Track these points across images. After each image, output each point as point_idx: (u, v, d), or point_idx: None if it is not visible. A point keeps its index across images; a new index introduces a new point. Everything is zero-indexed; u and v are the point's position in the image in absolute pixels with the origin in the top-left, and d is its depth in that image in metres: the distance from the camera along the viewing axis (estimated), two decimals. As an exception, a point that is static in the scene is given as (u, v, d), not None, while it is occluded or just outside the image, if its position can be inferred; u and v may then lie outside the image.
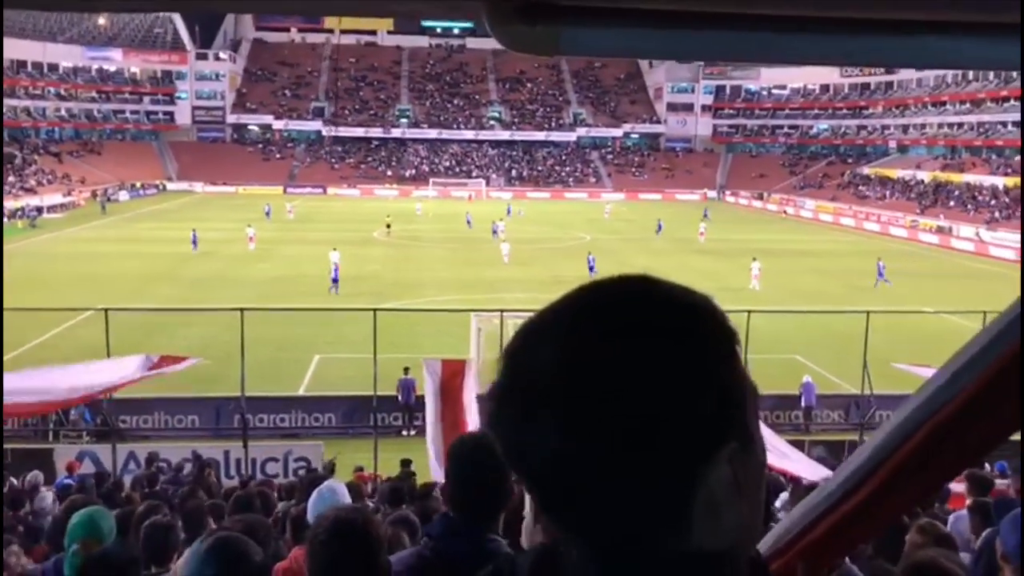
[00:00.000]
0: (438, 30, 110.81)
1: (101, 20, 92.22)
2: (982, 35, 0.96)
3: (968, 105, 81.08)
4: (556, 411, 0.73)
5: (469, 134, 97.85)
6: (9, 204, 55.79)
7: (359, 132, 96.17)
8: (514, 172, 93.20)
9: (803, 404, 18.91)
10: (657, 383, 0.73)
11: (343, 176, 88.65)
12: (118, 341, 16.27)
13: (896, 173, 79.18)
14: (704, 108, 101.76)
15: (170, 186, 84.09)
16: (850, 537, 1.24)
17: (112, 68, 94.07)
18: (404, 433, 17.91)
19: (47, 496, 9.69)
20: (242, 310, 16.51)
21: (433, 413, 14.75)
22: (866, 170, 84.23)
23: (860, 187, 79.29)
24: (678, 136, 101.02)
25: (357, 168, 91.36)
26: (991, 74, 78.03)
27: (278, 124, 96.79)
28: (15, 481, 10.54)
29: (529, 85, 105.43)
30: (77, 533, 3.95)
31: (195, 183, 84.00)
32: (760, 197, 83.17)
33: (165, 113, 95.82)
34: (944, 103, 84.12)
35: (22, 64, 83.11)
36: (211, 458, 15.01)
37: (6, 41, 74.36)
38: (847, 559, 3.85)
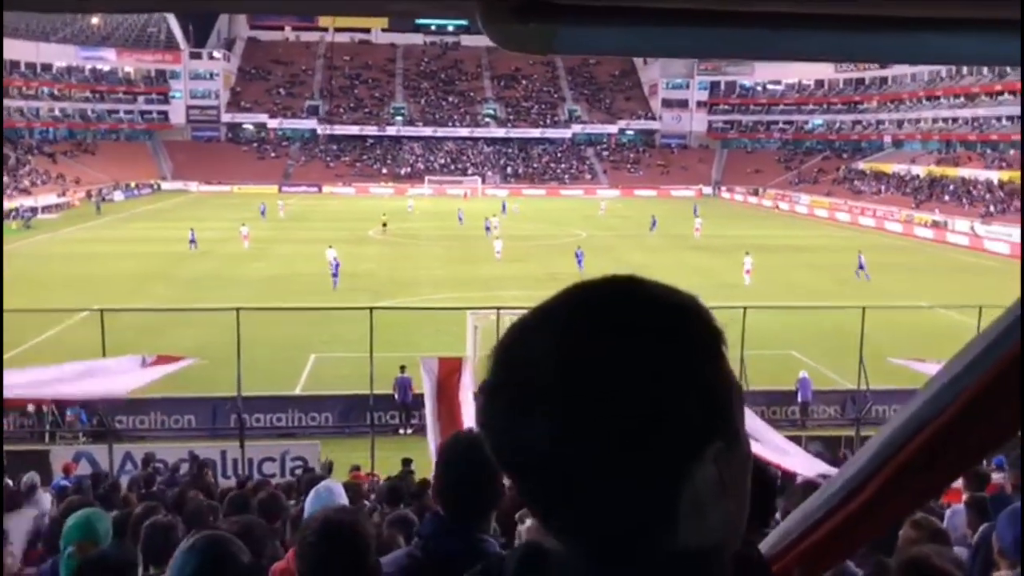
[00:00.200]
0: (432, 28, 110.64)
1: (95, 20, 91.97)
2: (981, 31, 0.96)
3: (962, 99, 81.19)
4: (551, 408, 0.74)
5: (464, 132, 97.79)
6: (4, 205, 55.62)
7: (354, 130, 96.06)
8: (509, 169, 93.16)
9: (799, 400, 18.92)
10: (646, 382, 0.74)
11: (338, 174, 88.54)
12: (114, 342, 16.25)
13: (891, 168, 79.28)
14: (699, 104, 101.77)
15: (165, 186, 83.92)
16: (852, 539, 1.24)
17: (106, 68, 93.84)
18: (401, 432, 17.90)
19: (44, 498, 9.67)
20: (238, 309, 16.49)
21: (431, 411, 14.76)
22: (861, 165, 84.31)
23: (855, 182, 79.38)
24: (673, 132, 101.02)
25: (352, 166, 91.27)
26: (985, 68, 78.15)
27: (273, 123, 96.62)
28: (11, 483, 10.51)
29: (524, 82, 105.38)
30: (73, 535, 3.93)
31: (190, 182, 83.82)
32: (755, 193, 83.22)
33: (159, 112, 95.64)
34: (938, 97, 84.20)
35: (15, 64, 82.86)
36: (208, 458, 15.01)
37: None
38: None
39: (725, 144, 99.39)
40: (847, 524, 1.17)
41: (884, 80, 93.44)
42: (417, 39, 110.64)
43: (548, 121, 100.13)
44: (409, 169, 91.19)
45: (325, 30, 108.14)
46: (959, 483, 9.73)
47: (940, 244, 52.46)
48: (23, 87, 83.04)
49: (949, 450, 1.04)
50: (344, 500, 4.24)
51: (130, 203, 70.43)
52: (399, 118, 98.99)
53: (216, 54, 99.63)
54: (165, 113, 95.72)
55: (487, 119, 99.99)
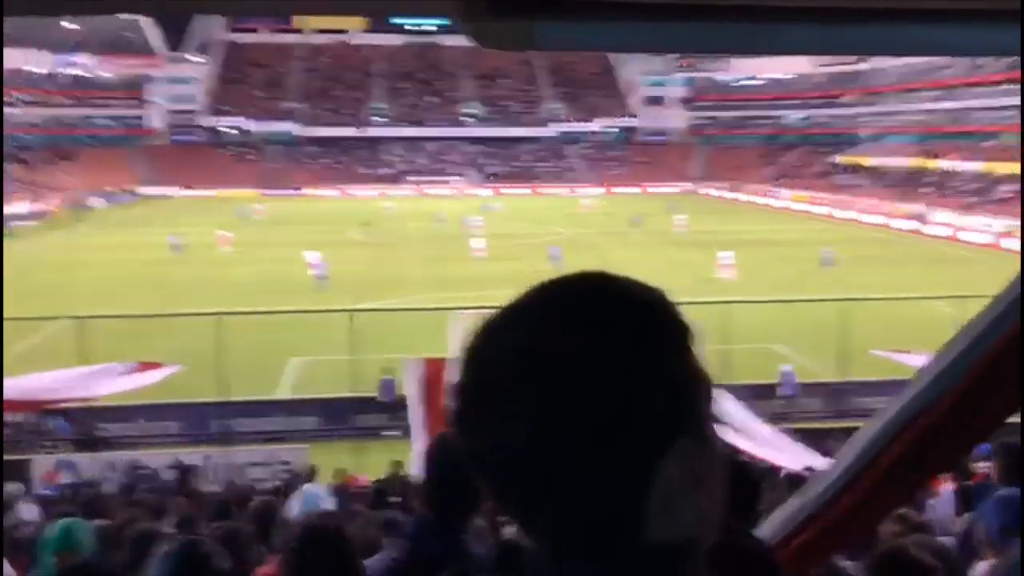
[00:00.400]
0: (411, 28, 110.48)
1: (70, 25, 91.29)
2: (981, 22, 0.96)
3: (940, 92, 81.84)
4: (522, 407, 0.74)
5: (445, 131, 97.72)
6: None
7: (334, 132, 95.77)
8: (491, 168, 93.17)
9: (782, 393, 19.02)
10: (617, 378, 0.74)
11: (319, 176, 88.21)
12: (95, 349, 16.13)
13: (870, 161, 79.81)
14: (678, 101, 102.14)
15: (145, 191, 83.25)
16: (852, 530, 1.23)
17: (82, 73, 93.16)
18: (385, 434, 17.85)
19: (30, 508, 9.58)
20: (220, 314, 16.42)
21: (416, 413, 14.71)
22: (840, 159, 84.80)
23: (835, 176, 79.84)
24: (653, 129, 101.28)
25: (332, 168, 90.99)
26: (963, 60, 78.79)
27: (252, 126, 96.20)
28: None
29: (504, 81, 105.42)
30: (53, 546, 3.88)
31: (170, 188, 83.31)
32: (736, 189, 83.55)
33: (138, 118, 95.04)
34: (916, 90, 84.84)
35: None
36: (193, 464, 14.95)
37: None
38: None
39: (705, 140, 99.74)
40: (846, 516, 1.16)
41: (863, 73, 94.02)
42: (395, 40, 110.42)
43: (529, 120, 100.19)
44: (390, 170, 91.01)
45: (301, 32, 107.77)
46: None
47: (920, 236, 52.80)
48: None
49: (943, 440, 1.03)
50: (329, 504, 4.22)
51: (110, 209, 69.95)
52: (379, 119, 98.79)
53: (194, 58, 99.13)
54: (144, 118, 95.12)
55: (467, 119, 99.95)
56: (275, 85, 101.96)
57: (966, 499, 4.65)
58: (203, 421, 17.60)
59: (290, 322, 23.23)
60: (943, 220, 55.34)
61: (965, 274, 31.56)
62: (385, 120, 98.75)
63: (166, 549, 2.30)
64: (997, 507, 3.13)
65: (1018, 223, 49.71)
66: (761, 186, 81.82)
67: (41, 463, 14.88)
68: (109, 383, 14.22)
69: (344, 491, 9.46)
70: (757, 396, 18.39)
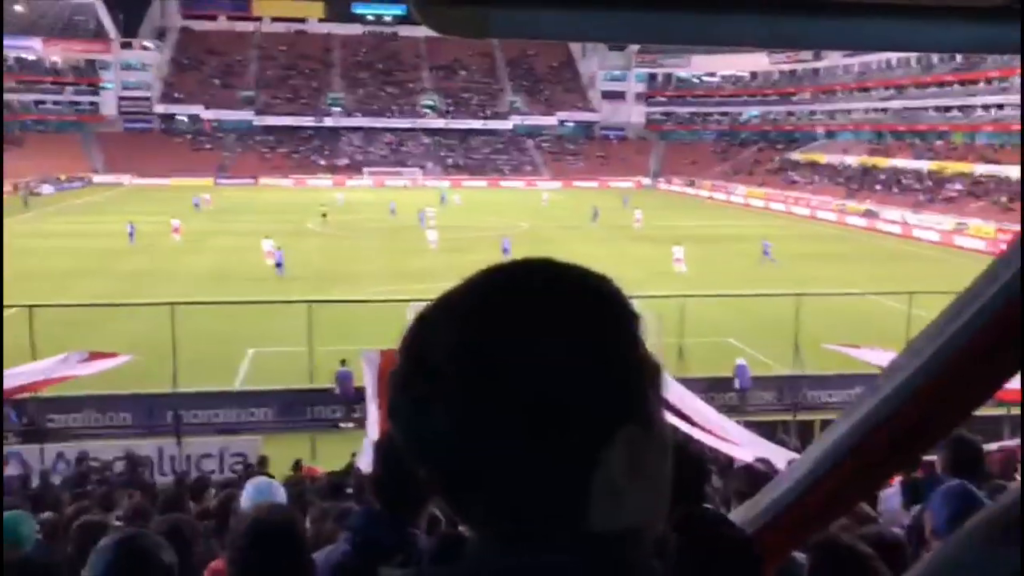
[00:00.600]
0: (370, 17, 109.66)
1: (19, 8, 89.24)
2: (979, 18, 0.95)
3: (892, 91, 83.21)
4: (454, 398, 0.72)
5: (403, 122, 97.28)
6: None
7: (290, 121, 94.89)
8: (450, 160, 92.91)
9: (737, 386, 19.22)
10: (556, 366, 0.72)
11: (275, 166, 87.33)
12: (44, 340, 15.82)
13: (824, 158, 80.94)
14: (637, 96, 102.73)
15: (97, 179, 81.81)
16: (818, 524, 1.23)
17: (32, 57, 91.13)
18: (342, 425, 17.75)
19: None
20: (172, 304, 16.18)
21: (373, 404, 14.64)
22: (795, 155, 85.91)
23: (789, 172, 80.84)
24: (612, 124, 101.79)
25: (289, 158, 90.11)
26: (913, 60, 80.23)
27: (207, 114, 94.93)
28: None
29: (463, 73, 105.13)
30: (-8, 539, 3.78)
31: (123, 175, 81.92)
32: (692, 184, 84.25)
33: (90, 104, 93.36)
34: (869, 89, 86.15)
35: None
36: (145, 456, 14.73)
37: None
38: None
39: (663, 135, 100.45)
40: (816, 509, 1.16)
41: (817, 72, 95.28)
42: (354, 29, 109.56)
43: (488, 112, 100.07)
44: (348, 160, 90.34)
45: (260, 20, 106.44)
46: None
47: (872, 232, 53.66)
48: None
49: (915, 434, 1.04)
50: (281, 495, 4.17)
51: (60, 196, 68.57)
52: (337, 109, 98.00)
53: (148, 44, 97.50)
54: (96, 104, 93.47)
55: (426, 110, 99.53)
56: (232, 73, 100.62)
57: (913, 492, 4.73)
58: (156, 412, 17.34)
59: (248, 312, 22.97)
60: (894, 218, 56.29)
61: (919, 270, 32.16)
62: (343, 110, 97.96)
63: (104, 542, 2.24)
64: (945, 499, 3.19)
65: (967, 221, 50.81)
66: (718, 182, 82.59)
67: (-13, 455, 14.54)
68: (60, 372, 13.97)
69: (299, 483, 9.38)
70: (712, 389, 18.61)
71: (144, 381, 17.68)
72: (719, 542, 1.00)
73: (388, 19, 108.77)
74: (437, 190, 71.72)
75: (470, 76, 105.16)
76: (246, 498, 4.04)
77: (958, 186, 61.50)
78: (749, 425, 16.07)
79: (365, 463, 11.96)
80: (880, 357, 13.16)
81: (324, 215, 51.49)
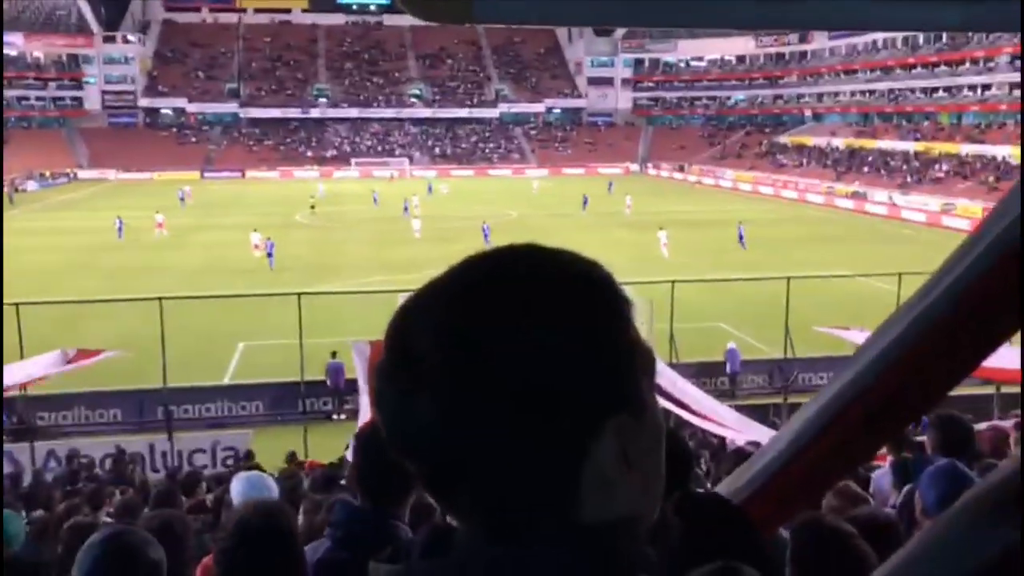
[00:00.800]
0: (354, 7, 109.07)
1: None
2: None
3: (879, 72, 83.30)
4: (438, 389, 0.71)
5: (390, 112, 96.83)
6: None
7: (276, 113, 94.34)
8: (437, 150, 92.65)
9: (728, 370, 19.29)
10: (544, 352, 0.71)
11: (262, 159, 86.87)
12: (32, 337, 15.74)
13: (812, 141, 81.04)
14: (624, 82, 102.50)
15: (82, 174, 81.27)
16: (798, 500, 1.21)
17: (13, 53, 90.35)
18: (335, 417, 17.75)
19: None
20: (160, 299, 16.12)
21: (365, 396, 14.63)
22: (783, 139, 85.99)
23: (777, 156, 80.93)
24: (599, 110, 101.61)
25: (276, 150, 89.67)
26: (899, 41, 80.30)
27: (192, 107, 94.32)
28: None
29: (449, 61, 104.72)
30: (-21, 540, 3.75)
31: (108, 170, 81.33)
32: (681, 169, 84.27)
33: (73, 99, 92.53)
34: (856, 71, 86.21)
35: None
36: (136, 452, 14.72)
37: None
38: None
39: (650, 121, 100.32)
40: (795, 484, 1.14)
41: (804, 55, 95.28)
42: (339, 19, 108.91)
43: (475, 100, 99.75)
44: (335, 151, 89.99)
45: (243, 11, 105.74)
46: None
47: (860, 214, 53.81)
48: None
49: (892, 408, 1.02)
50: (271, 488, 4.16)
51: (45, 193, 68.15)
52: (323, 100, 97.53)
53: (131, 37, 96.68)
54: (79, 99, 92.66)
55: (413, 99, 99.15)
56: (216, 66, 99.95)
57: (904, 472, 4.75)
58: (146, 408, 17.29)
59: (237, 306, 22.90)
60: (882, 199, 56.45)
61: (907, 251, 32.28)
62: (329, 101, 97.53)
63: (92, 539, 2.22)
64: (933, 479, 3.20)
65: (954, 201, 50.99)
66: (706, 166, 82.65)
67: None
68: (48, 369, 13.93)
69: (292, 475, 9.37)
70: (703, 374, 18.68)
71: (134, 377, 17.62)
72: (722, 522, 1.00)
73: (373, 8, 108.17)
74: (424, 180, 71.59)
75: (456, 64, 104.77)
76: (236, 492, 4.02)
77: (945, 167, 61.69)
78: (741, 409, 16.14)
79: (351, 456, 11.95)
80: (870, 339, 13.21)
81: (312, 207, 51.38)
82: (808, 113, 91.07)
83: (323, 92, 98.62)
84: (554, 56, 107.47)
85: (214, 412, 17.81)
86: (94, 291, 25.90)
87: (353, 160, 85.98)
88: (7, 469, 13.17)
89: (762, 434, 11.27)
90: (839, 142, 77.48)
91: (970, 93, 72.09)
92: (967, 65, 72.98)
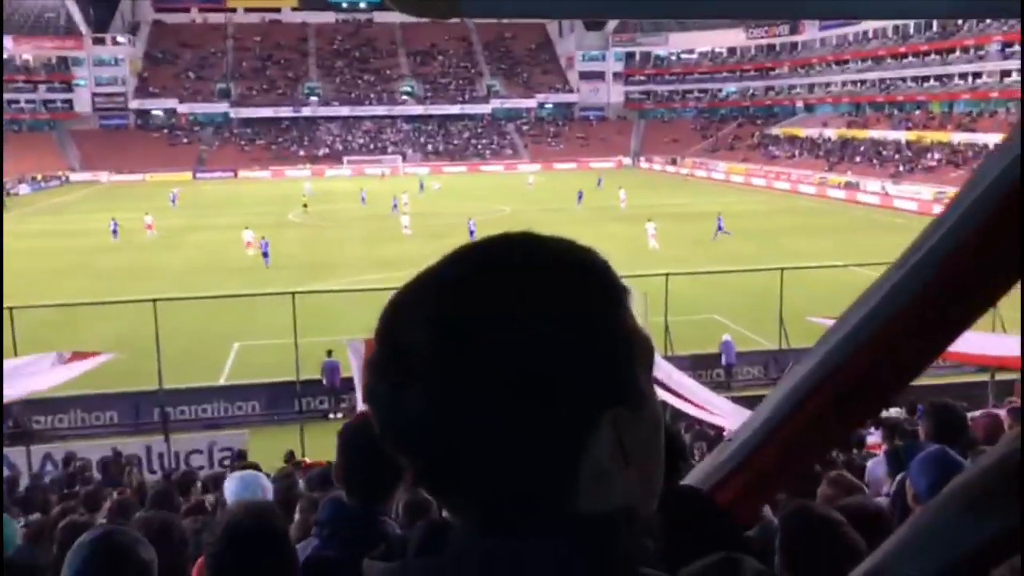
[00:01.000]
0: (344, 5, 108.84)
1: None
2: None
3: (869, 62, 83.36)
4: (430, 381, 0.70)
5: (382, 110, 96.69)
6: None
7: (268, 112, 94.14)
8: (430, 147, 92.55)
9: (723, 362, 19.33)
10: (537, 340, 0.69)
11: (254, 158, 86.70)
12: (26, 341, 15.72)
13: (804, 132, 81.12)
14: (615, 75, 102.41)
15: (73, 177, 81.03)
16: (772, 483, 1.21)
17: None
18: (331, 416, 17.74)
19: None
20: (155, 300, 16.10)
21: (362, 393, 14.59)
22: (775, 130, 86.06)
23: (770, 147, 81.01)
24: (591, 104, 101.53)
25: (268, 149, 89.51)
26: (890, 30, 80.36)
27: (183, 108, 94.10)
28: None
29: (441, 58, 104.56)
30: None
31: (100, 172, 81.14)
32: (674, 162, 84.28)
33: (63, 101, 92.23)
34: (847, 61, 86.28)
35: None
36: (133, 454, 14.70)
37: None
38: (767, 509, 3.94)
39: (642, 115, 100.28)
40: (768, 467, 1.14)
41: (794, 46, 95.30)
42: (329, 17, 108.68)
43: (467, 97, 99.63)
44: (327, 150, 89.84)
45: (233, 10, 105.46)
46: (878, 436, 10.06)
47: (852, 204, 53.88)
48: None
49: (864, 388, 1.02)
50: (265, 488, 4.16)
51: (37, 196, 67.94)
52: (314, 98, 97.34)
53: (120, 38, 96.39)
54: (70, 101, 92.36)
55: (404, 96, 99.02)
56: (207, 66, 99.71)
57: (897, 460, 4.78)
58: (142, 410, 17.29)
59: (232, 306, 22.87)
60: (875, 188, 56.53)
61: (900, 240, 32.29)
62: (321, 99, 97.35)
63: (81, 539, 2.22)
64: (923, 465, 3.22)
65: (946, 190, 51.03)
66: (699, 159, 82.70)
67: (-27, 459, 14.44)
68: (45, 377, 13.89)
69: (288, 475, 9.37)
70: (698, 366, 18.73)
71: (130, 379, 17.61)
72: (698, 515, 1.00)
73: (363, 6, 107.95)
74: (417, 177, 71.52)
75: (447, 61, 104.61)
76: (230, 492, 4.02)
77: (937, 155, 61.80)
78: (737, 400, 16.19)
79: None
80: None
81: (305, 205, 51.32)
82: (800, 104, 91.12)
83: (314, 91, 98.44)
84: (545, 51, 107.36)
85: (210, 413, 17.81)
86: (88, 293, 25.85)
87: (345, 158, 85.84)
88: (5, 473, 13.15)
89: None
90: (831, 132, 77.56)
91: (961, 81, 72.18)
92: (957, 53, 73.07)
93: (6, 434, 16.48)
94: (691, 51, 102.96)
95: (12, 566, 3.02)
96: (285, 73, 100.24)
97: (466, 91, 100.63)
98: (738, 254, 32.17)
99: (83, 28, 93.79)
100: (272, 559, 2.14)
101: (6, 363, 13.81)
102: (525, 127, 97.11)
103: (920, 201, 50.00)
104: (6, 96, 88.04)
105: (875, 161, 65.79)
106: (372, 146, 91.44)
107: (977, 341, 13.49)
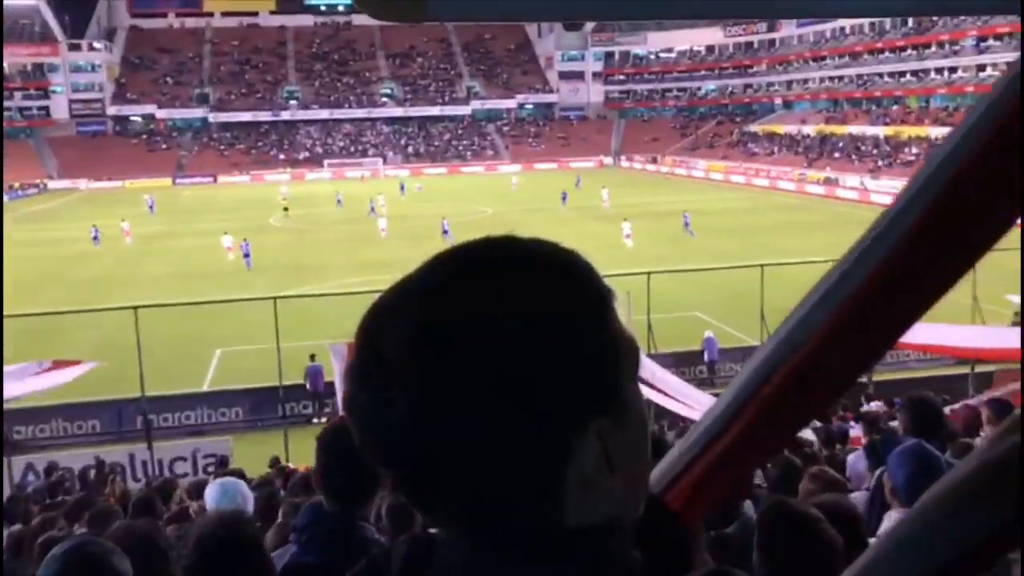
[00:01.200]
0: (322, 7, 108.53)
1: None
2: None
3: (847, 58, 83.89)
4: (409, 389, 0.68)
5: (361, 112, 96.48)
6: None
7: (247, 117, 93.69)
8: (410, 149, 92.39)
9: (706, 359, 19.42)
10: (519, 342, 0.68)
11: (234, 163, 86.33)
12: (6, 351, 15.56)
13: (783, 129, 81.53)
14: (595, 75, 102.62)
15: (52, 184, 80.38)
16: (729, 473, 1.21)
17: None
18: (315, 421, 17.68)
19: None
20: (136, 308, 16.00)
21: (341, 401, 14.56)
22: (754, 127, 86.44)
23: (749, 144, 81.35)
24: (571, 104, 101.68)
25: (248, 154, 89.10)
26: (867, 26, 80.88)
27: (162, 113, 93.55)
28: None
29: (420, 60, 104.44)
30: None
31: (78, 180, 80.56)
32: (654, 161, 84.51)
33: (40, 108, 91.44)
34: (824, 57, 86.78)
35: None
36: (116, 462, 14.61)
37: None
38: (750, 503, 3.97)
39: (622, 114, 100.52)
40: (724, 457, 1.14)
41: (772, 43, 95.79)
42: (307, 20, 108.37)
43: (447, 98, 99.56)
44: (307, 153, 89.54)
45: (210, 15, 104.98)
46: (859, 430, 10.13)
47: (832, 200, 54.19)
48: None
49: (816, 377, 1.03)
50: (245, 495, 4.15)
51: (15, 205, 67.30)
52: (293, 102, 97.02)
53: (97, 44, 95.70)
54: (46, 108, 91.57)
55: (384, 99, 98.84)
56: (184, 71, 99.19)
57: (874, 453, 4.82)
58: (125, 418, 17.19)
59: (213, 312, 22.77)
60: (854, 184, 56.87)
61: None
62: (300, 103, 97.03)
63: (54, 551, 2.20)
64: (901, 459, 3.25)
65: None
66: (679, 157, 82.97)
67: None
68: (21, 385, 13.79)
69: (270, 482, 9.34)
70: (681, 363, 18.80)
71: (112, 387, 17.48)
72: (646, 520, 0.99)
73: (341, 8, 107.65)
74: (397, 179, 71.41)
75: (427, 62, 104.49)
76: (210, 500, 4.01)
77: (915, 150, 62.25)
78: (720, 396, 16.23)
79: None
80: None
81: (286, 209, 51.15)
82: (778, 101, 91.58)
83: (293, 94, 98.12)
84: (524, 51, 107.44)
85: (193, 420, 17.73)
86: (69, 302, 25.66)
87: (326, 162, 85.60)
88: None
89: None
90: (809, 129, 77.99)
91: (937, 76, 72.74)
92: (933, 48, 73.63)
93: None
94: (670, 50, 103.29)
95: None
96: (264, 77, 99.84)
97: (446, 92, 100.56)
98: (719, 251, 32.30)
99: (59, 34, 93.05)
100: (246, 568, 2.13)
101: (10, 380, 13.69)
102: (505, 128, 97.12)
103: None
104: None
105: (854, 157, 66.20)
106: (352, 149, 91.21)
107: (958, 333, 13.62)
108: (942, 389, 13.35)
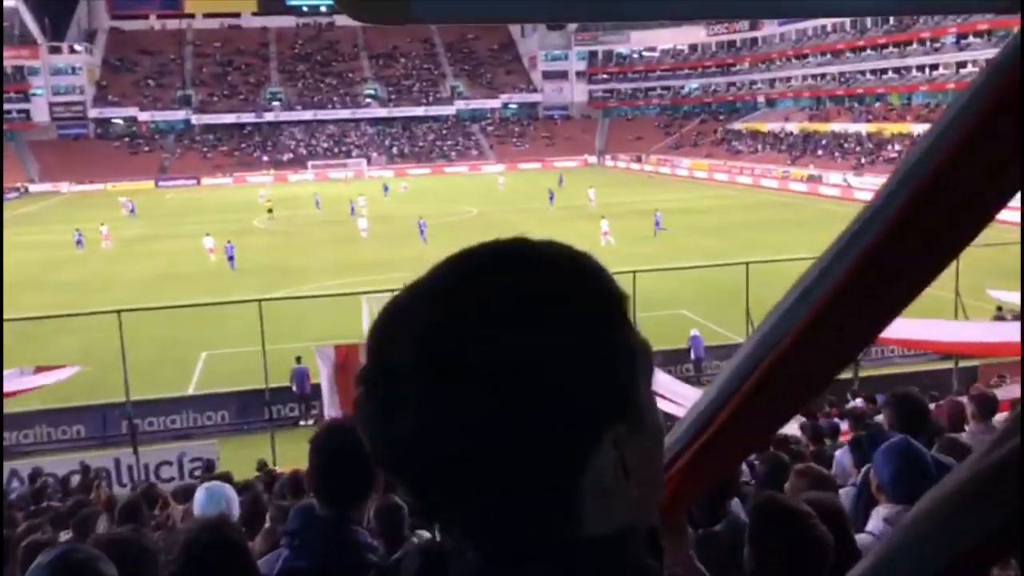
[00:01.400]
0: (304, 8, 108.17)
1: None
2: None
3: (829, 56, 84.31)
4: (420, 398, 0.66)
5: (345, 113, 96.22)
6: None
7: (230, 118, 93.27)
8: (395, 149, 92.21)
9: (692, 357, 19.47)
10: (530, 349, 0.66)
11: (217, 165, 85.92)
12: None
13: (766, 127, 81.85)
14: (578, 74, 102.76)
15: (33, 188, 79.78)
16: (710, 471, 1.21)
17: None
18: (301, 423, 17.63)
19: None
20: (119, 311, 15.89)
21: (330, 399, 14.59)
22: (737, 125, 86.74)
23: (732, 142, 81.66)
24: (555, 104, 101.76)
25: (231, 156, 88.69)
26: (848, 24, 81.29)
27: (144, 116, 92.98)
28: None
29: (403, 60, 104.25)
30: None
31: (60, 183, 79.97)
32: (638, 159, 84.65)
33: (20, 111, 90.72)
34: (806, 56, 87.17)
35: None
36: (101, 467, 14.53)
37: None
38: (737, 501, 3.98)
39: (606, 113, 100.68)
40: (704, 455, 1.14)
41: (755, 41, 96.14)
42: (289, 21, 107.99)
43: (431, 98, 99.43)
44: (291, 155, 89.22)
45: (192, 16, 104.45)
46: (846, 426, 10.18)
47: (814, 197, 54.43)
48: None
49: (793, 376, 1.03)
50: (231, 499, 4.13)
51: (-4, 208, 66.79)
52: (276, 103, 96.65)
53: (77, 47, 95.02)
54: (27, 111, 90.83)
55: (368, 99, 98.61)
56: (166, 73, 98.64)
57: (859, 448, 4.84)
58: (109, 422, 17.08)
59: (198, 315, 22.66)
60: (837, 182, 57.15)
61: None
62: (283, 104, 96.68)
63: (39, 559, 2.18)
64: (886, 455, 3.27)
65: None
66: (663, 156, 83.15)
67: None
68: (9, 385, 13.69)
69: (250, 487, 9.30)
70: (667, 362, 18.83)
71: (96, 392, 17.39)
72: None
73: (323, 9, 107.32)
74: (381, 180, 71.26)
75: (410, 63, 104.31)
76: (197, 505, 3.99)
77: (897, 147, 62.62)
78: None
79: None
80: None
81: (270, 210, 50.96)
82: (761, 99, 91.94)
83: (276, 95, 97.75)
84: (508, 51, 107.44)
85: (179, 423, 17.64)
86: (51, 306, 25.47)
87: (309, 163, 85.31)
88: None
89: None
90: (793, 127, 78.34)
91: (919, 74, 73.19)
92: (915, 46, 74.08)
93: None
94: (653, 49, 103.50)
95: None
96: (246, 78, 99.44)
97: (430, 93, 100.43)
98: (704, 249, 32.39)
99: (38, 37, 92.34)
100: (231, 573, 2.12)
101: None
102: (490, 128, 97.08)
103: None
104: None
105: (837, 154, 66.53)
106: (336, 150, 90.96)
107: (942, 329, 13.71)
108: (927, 384, 13.42)
